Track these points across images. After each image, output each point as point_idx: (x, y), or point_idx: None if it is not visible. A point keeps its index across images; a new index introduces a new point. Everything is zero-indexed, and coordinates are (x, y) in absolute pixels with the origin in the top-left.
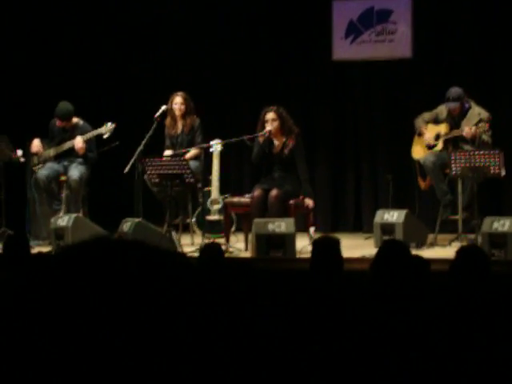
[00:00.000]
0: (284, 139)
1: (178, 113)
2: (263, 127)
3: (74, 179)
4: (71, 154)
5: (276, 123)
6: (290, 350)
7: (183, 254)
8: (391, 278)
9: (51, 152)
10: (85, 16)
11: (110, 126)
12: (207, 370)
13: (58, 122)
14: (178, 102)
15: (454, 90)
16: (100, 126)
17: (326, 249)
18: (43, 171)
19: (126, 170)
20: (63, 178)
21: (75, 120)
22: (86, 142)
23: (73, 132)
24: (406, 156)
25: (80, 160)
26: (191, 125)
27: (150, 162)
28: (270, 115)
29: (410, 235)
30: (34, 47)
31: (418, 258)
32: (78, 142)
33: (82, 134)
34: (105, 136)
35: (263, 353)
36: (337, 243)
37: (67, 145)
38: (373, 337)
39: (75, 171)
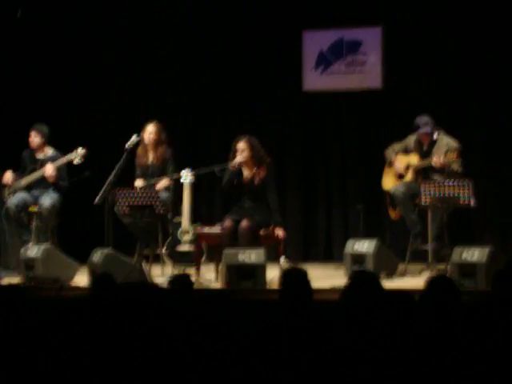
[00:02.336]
0: (254, 169)
1: (148, 142)
2: (234, 157)
3: (46, 207)
4: (43, 183)
5: (246, 153)
6: (260, 379)
7: (154, 285)
8: (361, 309)
9: (22, 182)
10: (56, 43)
11: (80, 151)
12: None
13: (31, 139)
14: (149, 131)
15: (421, 117)
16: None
17: (294, 280)
18: (13, 200)
19: (97, 200)
20: (33, 208)
21: (47, 149)
22: (58, 169)
23: (44, 161)
24: (377, 186)
25: (51, 190)
26: (162, 155)
27: (120, 192)
28: (241, 145)
29: (381, 265)
30: (4, 77)
31: (402, 294)
32: (48, 169)
33: (54, 162)
34: (75, 161)
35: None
36: (304, 275)
37: (38, 174)
38: (343, 366)
39: (47, 199)
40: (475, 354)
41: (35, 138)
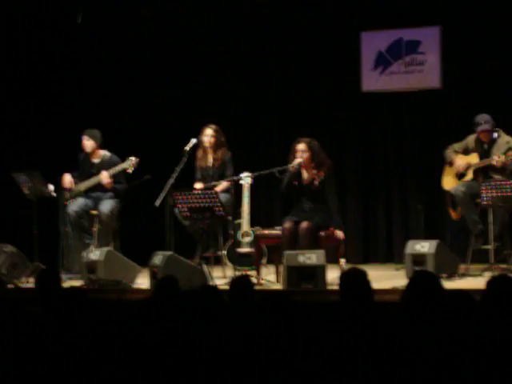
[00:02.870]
0: (314, 171)
1: (207, 145)
2: (294, 158)
3: (105, 213)
4: (101, 187)
5: (306, 155)
6: (321, 378)
7: (214, 287)
8: (422, 309)
9: (81, 187)
10: (112, 49)
11: (133, 160)
12: None
13: (84, 143)
14: (208, 134)
15: (480, 115)
16: (128, 158)
17: (354, 281)
18: (73, 206)
19: (158, 203)
20: (94, 212)
21: (103, 153)
22: (114, 175)
23: (101, 165)
24: (437, 186)
25: (110, 194)
26: (222, 158)
27: (180, 195)
28: (301, 146)
29: (442, 265)
30: (63, 81)
31: (463, 294)
32: (104, 177)
33: (109, 167)
34: (129, 171)
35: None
36: (364, 275)
37: (95, 180)
38: (404, 366)
39: (106, 205)
40: None
41: (87, 143)
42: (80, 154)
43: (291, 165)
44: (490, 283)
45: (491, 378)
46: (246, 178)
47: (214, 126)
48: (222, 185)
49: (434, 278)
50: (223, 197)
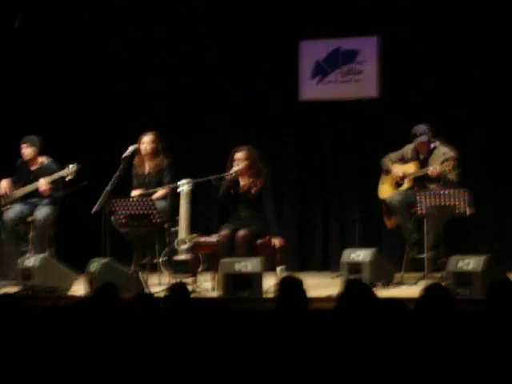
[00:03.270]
0: (252, 179)
1: (145, 152)
2: (232, 166)
3: (39, 219)
4: (38, 194)
5: (245, 163)
6: None
7: (150, 295)
8: (354, 317)
9: (18, 193)
10: (51, 53)
11: (72, 168)
12: None
13: (23, 151)
14: (146, 141)
15: (418, 126)
16: (68, 165)
17: (290, 289)
18: (9, 213)
19: (94, 210)
20: (30, 218)
21: (42, 159)
22: (51, 182)
23: (39, 172)
24: (373, 195)
25: (46, 200)
26: (160, 165)
27: (117, 202)
28: (239, 155)
29: (378, 274)
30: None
31: (396, 302)
32: (41, 184)
33: (47, 174)
34: (67, 178)
35: None
36: (300, 283)
37: (32, 186)
38: (338, 374)
39: (41, 212)
40: (469, 362)
41: (26, 150)
42: (18, 160)
43: (228, 173)
44: (423, 291)
45: None
46: (184, 185)
47: (152, 133)
48: (160, 192)
49: (366, 287)
50: (159, 204)
